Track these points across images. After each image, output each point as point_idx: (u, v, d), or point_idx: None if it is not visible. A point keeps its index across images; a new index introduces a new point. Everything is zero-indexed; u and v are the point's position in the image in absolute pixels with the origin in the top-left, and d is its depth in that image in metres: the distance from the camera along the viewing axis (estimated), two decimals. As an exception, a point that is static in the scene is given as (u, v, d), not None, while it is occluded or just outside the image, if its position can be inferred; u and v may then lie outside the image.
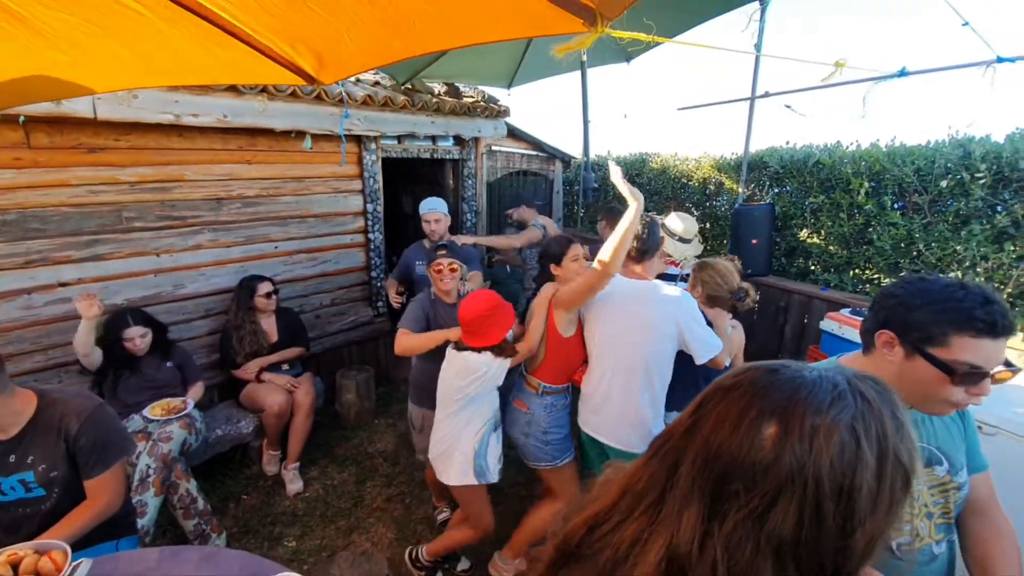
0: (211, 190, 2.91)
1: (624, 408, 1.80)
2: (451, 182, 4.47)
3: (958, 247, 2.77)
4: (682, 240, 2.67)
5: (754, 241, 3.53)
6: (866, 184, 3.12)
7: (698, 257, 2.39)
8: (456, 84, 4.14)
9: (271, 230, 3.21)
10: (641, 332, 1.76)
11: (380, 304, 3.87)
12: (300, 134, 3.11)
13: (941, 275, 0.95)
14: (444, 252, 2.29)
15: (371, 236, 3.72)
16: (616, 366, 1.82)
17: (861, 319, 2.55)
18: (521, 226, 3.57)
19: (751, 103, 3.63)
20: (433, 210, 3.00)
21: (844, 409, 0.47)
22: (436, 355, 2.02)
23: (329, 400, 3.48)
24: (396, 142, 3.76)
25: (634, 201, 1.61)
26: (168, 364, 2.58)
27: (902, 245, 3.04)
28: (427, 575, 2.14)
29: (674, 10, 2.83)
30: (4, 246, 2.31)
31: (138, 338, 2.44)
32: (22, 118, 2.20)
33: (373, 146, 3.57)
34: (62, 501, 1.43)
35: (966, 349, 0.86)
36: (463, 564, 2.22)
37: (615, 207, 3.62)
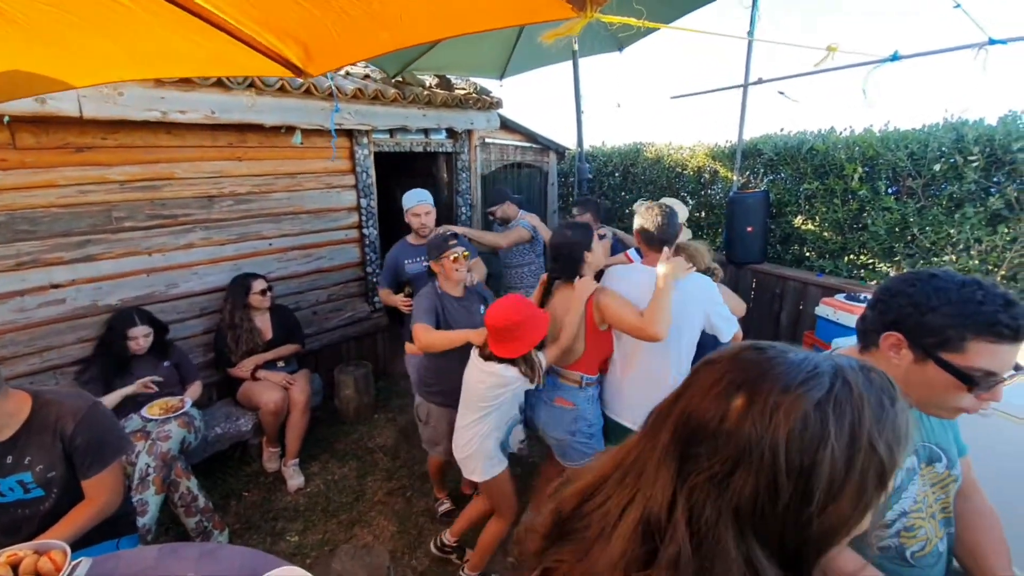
0: (202, 188, 2.88)
1: (655, 395, 1.81)
2: (445, 175, 4.44)
3: (952, 230, 2.79)
4: None
5: (749, 229, 3.53)
6: (860, 169, 3.13)
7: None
8: (448, 76, 4.10)
9: (264, 227, 3.18)
10: (672, 323, 1.79)
11: (377, 300, 3.85)
12: (290, 129, 3.07)
13: (951, 270, 0.89)
14: (455, 242, 2.16)
15: (366, 231, 3.70)
16: (650, 355, 1.87)
17: (855, 304, 2.60)
18: (505, 222, 3.51)
19: (744, 90, 3.61)
20: (422, 202, 2.76)
21: (814, 389, 0.47)
22: (446, 352, 2.00)
23: (328, 396, 3.48)
24: (388, 136, 3.73)
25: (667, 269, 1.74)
26: (166, 363, 2.58)
27: (896, 229, 3.06)
28: (457, 555, 2.20)
29: (665, -4, 2.81)
30: (-6, 248, 2.29)
31: (142, 337, 2.47)
32: (7, 118, 2.17)
33: (365, 140, 3.53)
34: (61, 501, 1.43)
35: (983, 355, 0.80)
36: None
37: (589, 198, 3.62)
